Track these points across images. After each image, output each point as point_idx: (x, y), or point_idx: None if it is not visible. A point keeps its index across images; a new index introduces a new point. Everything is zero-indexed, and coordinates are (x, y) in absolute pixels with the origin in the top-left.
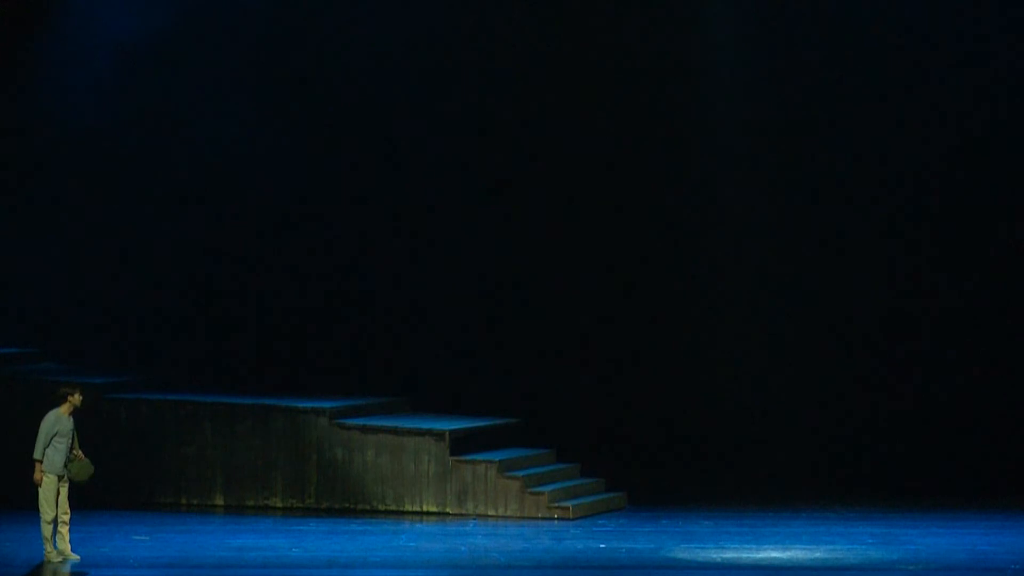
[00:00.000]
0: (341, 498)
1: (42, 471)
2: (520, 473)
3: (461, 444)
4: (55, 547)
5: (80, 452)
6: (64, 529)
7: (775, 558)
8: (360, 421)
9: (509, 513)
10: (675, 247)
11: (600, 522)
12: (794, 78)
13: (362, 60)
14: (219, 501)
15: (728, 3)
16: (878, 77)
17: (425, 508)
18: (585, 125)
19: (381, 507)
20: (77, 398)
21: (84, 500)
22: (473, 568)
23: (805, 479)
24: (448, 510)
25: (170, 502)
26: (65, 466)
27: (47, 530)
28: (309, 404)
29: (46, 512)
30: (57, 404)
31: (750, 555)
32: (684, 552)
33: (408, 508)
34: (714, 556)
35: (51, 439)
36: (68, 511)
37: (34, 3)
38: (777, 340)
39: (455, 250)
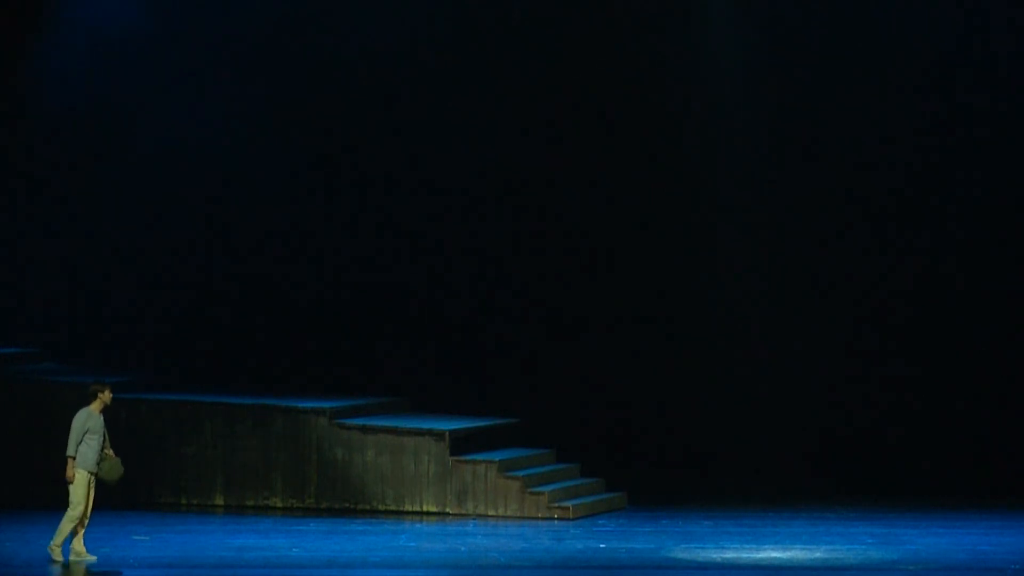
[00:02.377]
0: (341, 498)
1: (75, 468)
2: (520, 473)
3: (461, 444)
4: (68, 547)
5: (111, 451)
6: (82, 531)
7: (775, 558)
8: (360, 421)
9: (509, 513)
10: (675, 247)
11: (600, 522)
12: (795, 78)
13: (359, 54)
14: (219, 501)
15: (727, 4)
16: (878, 75)
17: (425, 508)
18: (587, 125)
19: (381, 507)
20: (108, 395)
21: None
22: (473, 568)
23: (805, 479)
24: (448, 510)
25: (170, 502)
26: (97, 464)
27: (68, 527)
28: (309, 404)
29: (76, 507)
30: (88, 402)
31: (750, 555)
32: (684, 552)
33: (408, 508)
34: (714, 556)
35: (83, 435)
36: (89, 514)
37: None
38: (777, 340)
39: (455, 250)
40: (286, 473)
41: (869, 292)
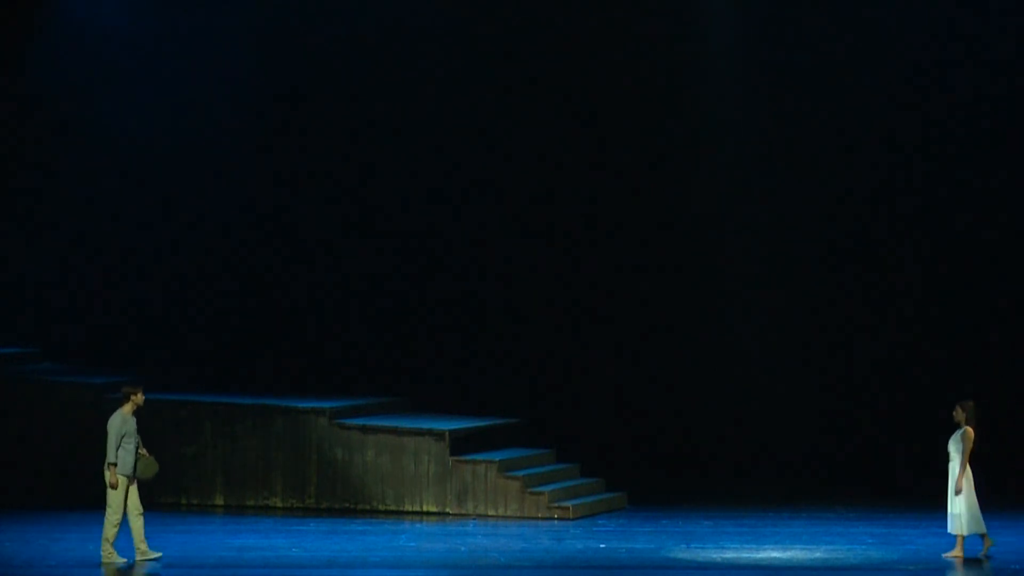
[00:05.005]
0: (341, 498)
1: (116, 474)
2: (520, 473)
3: (461, 444)
4: (115, 548)
5: (145, 450)
6: (139, 525)
7: (775, 558)
8: (360, 421)
9: (509, 513)
10: (675, 248)
11: (600, 522)
12: (798, 75)
13: (361, 51)
14: (219, 501)
15: (728, 4)
16: (879, 76)
17: (425, 508)
18: (592, 126)
19: (381, 507)
20: (140, 397)
21: (85, 501)
22: (473, 568)
23: (805, 479)
24: (448, 510)
25: (170, 502)
26: (134, 466)
27: (111, 532)
28: (309, 404)
29: (114, 514)
30: (120, 405)
31: (750, 555)
32: (684, 552)
33: (408, 508)
34: (714, 556)
35: (121, 440)
36: (142, 508)
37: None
38: (777, 340)
39: (456, 250)
40: (286, 473)
41: (870, 293)
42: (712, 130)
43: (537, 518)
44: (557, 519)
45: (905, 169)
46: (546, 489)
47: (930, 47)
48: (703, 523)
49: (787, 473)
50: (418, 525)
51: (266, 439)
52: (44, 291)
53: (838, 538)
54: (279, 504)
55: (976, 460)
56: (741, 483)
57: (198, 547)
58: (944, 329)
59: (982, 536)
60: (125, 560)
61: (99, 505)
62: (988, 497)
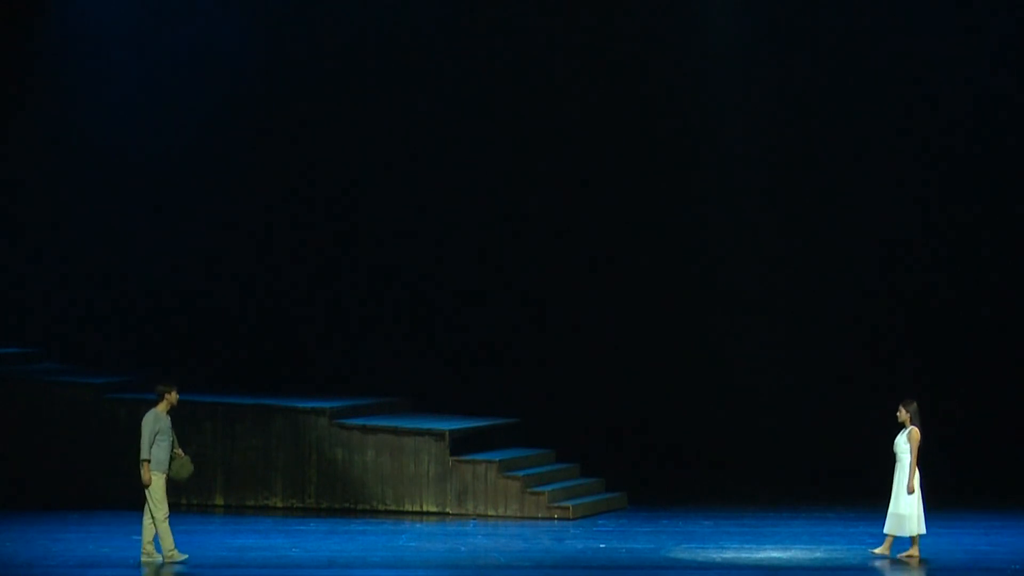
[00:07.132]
0: (341, 498)
1: (150, 471)
2: (520, 473)
3: (461, 444)
4: (157, 549)
5: (180, 450)
6: (164, 527)
7: (775, 558)
8: (360, 421)
9: (509, 513)
10: (676, 248)
11: (600, 522)
12: (797, 78)
13: (347, 47)
14: (219, 501)
15: (729, 4)
16: (881, 75)
17: (425, 508)
18: (588, 126)
19: (381, 507)
20: (174, 396)
21: (84, 500)
22: (473, 568)
23: (805, 479)
24: (448, 510)
25: (170, 502)
26: (169, 464)
27: (161, 527)
28: (309, 404)
29: (159, 510)
30: (155, 403)
31: (750, 555)
32: (684, 552)
33: (408, 508)
34: (714, 556)
35: (154, 437)
36: (168, 509)
37: (30, 3)
38: (777, 340)
39: (455, 250)
40: (286, 473)
41: (870, 293)
42: (715, 133)
43: (537, 518)
44: (557, 519)
45: (904, 173)
46: (546, 489)
47: (929, 47)
48: (703, 523)
49: (787, 473)
50: (418, 525)
51: (266, 439)
52: (44, 291)
53: (838, 538)
54: (279, 504)
55: (973, 460)
56: (741, 483)
57: (198, 547)
58: (942, 330)
59: (913, 537)
60: (186, 556)
61: (99, 505)
62: (987, 497)
